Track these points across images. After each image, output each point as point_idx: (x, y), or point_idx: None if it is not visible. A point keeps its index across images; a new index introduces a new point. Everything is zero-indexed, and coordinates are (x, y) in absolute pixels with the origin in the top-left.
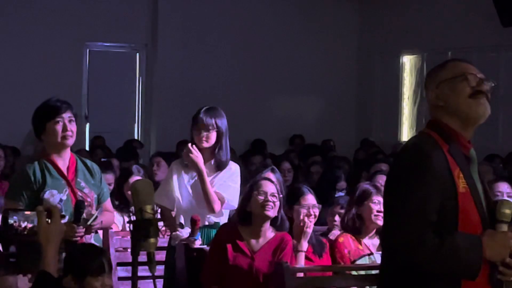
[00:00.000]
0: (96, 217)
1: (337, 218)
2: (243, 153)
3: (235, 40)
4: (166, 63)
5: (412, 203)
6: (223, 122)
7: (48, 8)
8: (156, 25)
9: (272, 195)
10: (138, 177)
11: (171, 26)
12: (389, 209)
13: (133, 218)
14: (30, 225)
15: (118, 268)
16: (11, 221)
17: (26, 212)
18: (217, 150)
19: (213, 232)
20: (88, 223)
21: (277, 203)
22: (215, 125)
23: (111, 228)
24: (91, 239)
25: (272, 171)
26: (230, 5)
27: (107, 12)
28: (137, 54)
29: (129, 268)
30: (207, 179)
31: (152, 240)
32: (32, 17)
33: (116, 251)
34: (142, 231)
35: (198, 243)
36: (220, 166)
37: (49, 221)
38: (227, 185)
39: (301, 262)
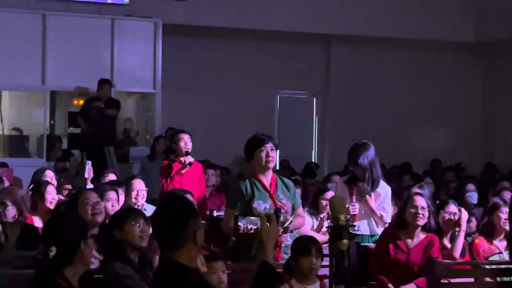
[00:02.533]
0: (291, 221)
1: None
2: (396, 173)
3: (390, 87)
4: (335, 105)
5: None
6: (364, 157)
7: (250, 64)
8: (329, 77)
9: (422, 208)
10: (332, 193)
11: (340, 77)
12: None
13: (330, 223)
14: (254, 227)
15: None
16: (240, 224)
17: (251, 218)
18: (365, 182)
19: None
20: (285, 225)
21: (426, 214)
22: (357, 164)
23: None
24: (287, 237)
25: (420, 187)
26: (389, 62)
27: (293, 66)
28: (314, 99)
29: None
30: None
31: (345, 241)
32: (239, 72)
33: None
34: (337, 234)
35: (355, 207)
36: (373, 188)
37: (268, 224)
38: (385, 206)
39: (462, 240)
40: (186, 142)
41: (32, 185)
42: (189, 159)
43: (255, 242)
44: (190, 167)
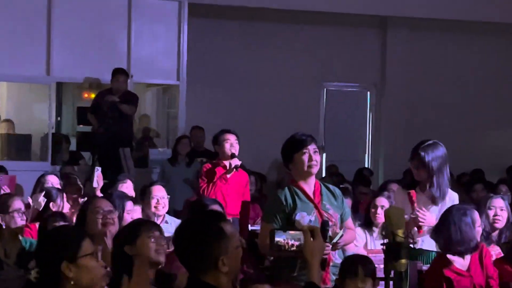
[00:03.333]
0: (342, 235)
1: None
2: (466, 182)
3: (458, 79)
4: (393, 100)
5: None
6: (434, 159)
7: (291, 52)
8: (384, 66)
9: (501, 209)
10: (384, 199)
11: (399, 66)
12: None
13: (385, 240)
14: (296, 243)
15: None
16: (280, 239)
17: (291, 232)
18: (428, 186)
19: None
20: (334, 240)
21: (505, 215)
22: (424, 164)
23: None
24: (335, 254)
25: (502, 198)
26: (456, 49)
27: (342, 54)
28: (368, 92)
29: None
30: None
31: (403, 261)
32: (277, 61)
33: None
34: (394, 253)
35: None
36: (433, 201)
37: (312, 239)
38: None
39: None
40: (232, 143)
41: (44, 192)
42: (236, 162)
43: (298, 262)
44: (236, 172)
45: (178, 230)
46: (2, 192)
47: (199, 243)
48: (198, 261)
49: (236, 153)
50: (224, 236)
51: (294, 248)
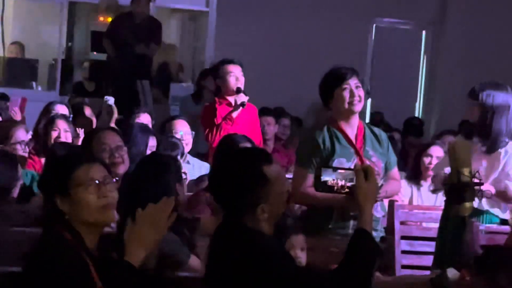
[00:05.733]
0: (381, 185)
1: None
2: None
3: None
4: (453, 41)
5: None
6: (491, 95)
7: None
8: (445, 3)
9: None
10: (439, 148)
11: (461, 3)
12: None
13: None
14: (348, 184)
15: (402, 241)
16: (328, 178)
17: (341, 171)
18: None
19: None
20: None
21: None
22: (479, 99)
23: (397, 201)
24: (377, 207)
25: None
26: None
27: None
28: (423, 32)
29: (413, 242)
30: None
31: (467, 204)
32: None
33: (401, 224)
34: (457, 194)
35: None
36: (488, 149)
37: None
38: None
39: None
40: (237, 76)
41: (41, 123)
42: (242, 98)
43: (334, 212)
44: (243, 109)
45: (215, 169)
46: (13, 115)
47: (237, 188)
48: (235, 205)
49: (242, 88)
50: (266, 183)
51: (346, 190)
